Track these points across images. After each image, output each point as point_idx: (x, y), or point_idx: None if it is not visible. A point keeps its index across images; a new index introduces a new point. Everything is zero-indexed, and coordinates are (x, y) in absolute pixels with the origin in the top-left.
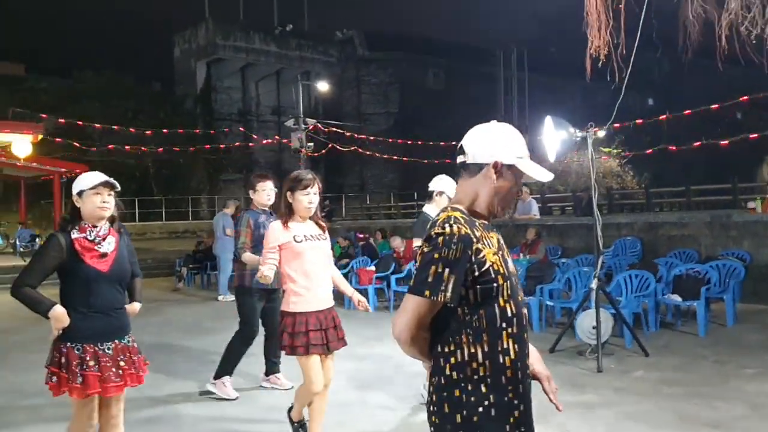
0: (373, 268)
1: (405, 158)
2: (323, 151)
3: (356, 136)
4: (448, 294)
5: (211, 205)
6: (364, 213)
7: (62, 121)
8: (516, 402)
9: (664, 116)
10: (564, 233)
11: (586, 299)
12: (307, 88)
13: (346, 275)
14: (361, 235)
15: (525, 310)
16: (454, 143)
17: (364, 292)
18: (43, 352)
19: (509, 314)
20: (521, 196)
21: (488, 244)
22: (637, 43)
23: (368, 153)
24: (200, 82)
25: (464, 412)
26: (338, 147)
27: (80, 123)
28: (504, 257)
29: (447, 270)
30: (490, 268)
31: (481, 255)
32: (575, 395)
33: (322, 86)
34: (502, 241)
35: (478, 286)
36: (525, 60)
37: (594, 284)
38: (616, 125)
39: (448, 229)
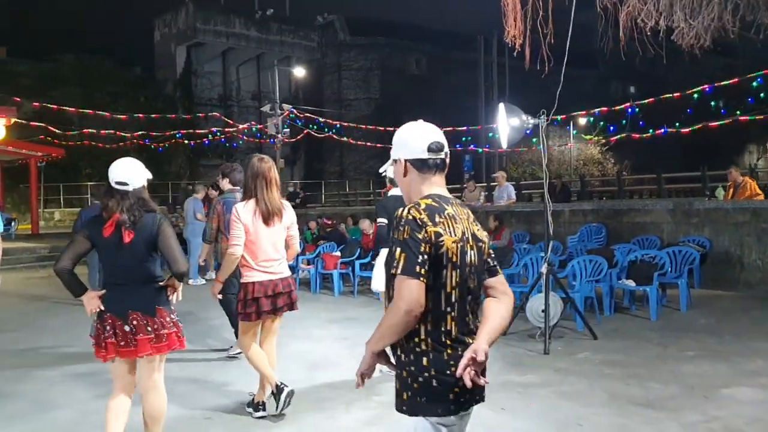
0: (338, 253)
1: (385, 145)
2: (299, 137)
3: (332, 122)
4: (397, 270)
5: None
6: (342, 199)
7: (37, 104)
8: (456, 374)
9: (627, 104)
10: (531, 219)
11: (536, 283)
12: (288, 74)
13: (312, 260)
14: (329, 222)
15: (471, 297)
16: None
17: (329, 277)
18: None
19: (453, 300)
20: (498, 181)
21: (450, 233)
22: (570, 32)
23: (344, 139)
24: (180, 66)
25: (409, 379)
26: (313, 133)
27: (55, 107)
28: (464, 248)
29: (398, 249)
30: (444, 255)
31: (441, 240)
32: (517, 376)
33: (299, 72)
34: (471, 230)
35: (431, 270)
36: (506, 46)
37: (544, 269)
38: (583, 113)
39: (400, 212)
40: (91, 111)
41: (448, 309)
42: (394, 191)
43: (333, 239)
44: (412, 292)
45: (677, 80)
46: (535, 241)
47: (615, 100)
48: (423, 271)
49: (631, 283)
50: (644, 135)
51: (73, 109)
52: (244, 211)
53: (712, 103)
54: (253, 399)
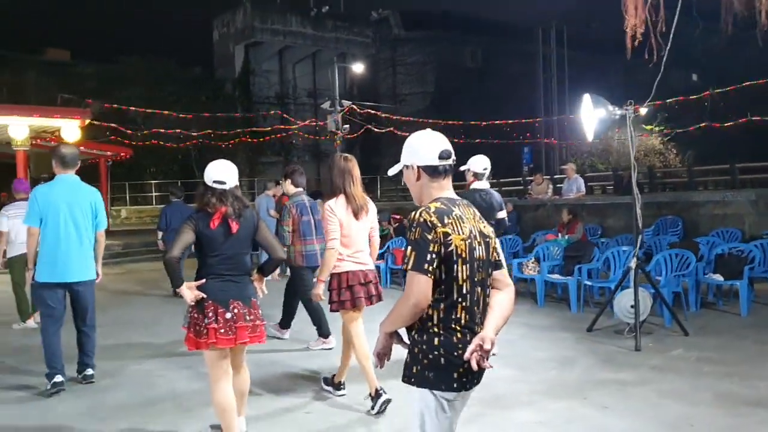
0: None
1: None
2: (359, 132)
3: (392, 116)
4: (408, 266)
5: (251, 187)
6: (399, 194)
7: (108, 105)
8: (462, 356)
9: (707, 92)
10: (603, 212)
11: (624, 278)
12: (343, 70)
13: (382, 255)
14: (397, 216)
15: (480, 289)
16: (492, 123)
17: (397, 272)
18: None
19: (464, 291)
20: (567, 173)
21: (459, 231)
22: (676, 19)
23: (404, 134)
24: (238, 65)
25: (420, 355)
26: (374, 129)
27: (125, 107)
28: (472, 244)
29: (409, 248)
30: (453, 251)
31: (449, 238)
32: (612, 373)
33: (358, 68)
34: (477, 228)
35: (443, 265)
36: (564, 37)
37: (633, 263)
38: (657, 102)
39: (413, 215)
40: (158, 111)
41: (459, 299)
42: (477, 185)
43: (400, 234)
44: (420, 286)
45: (738, 67)
46: (608, 234)
47: (676, 89)
48: (431, 268)
49: (718, 278)
50: (725, 124)
51: (141, 109)
52: (338, 207)
53: None
54: (332, 377)
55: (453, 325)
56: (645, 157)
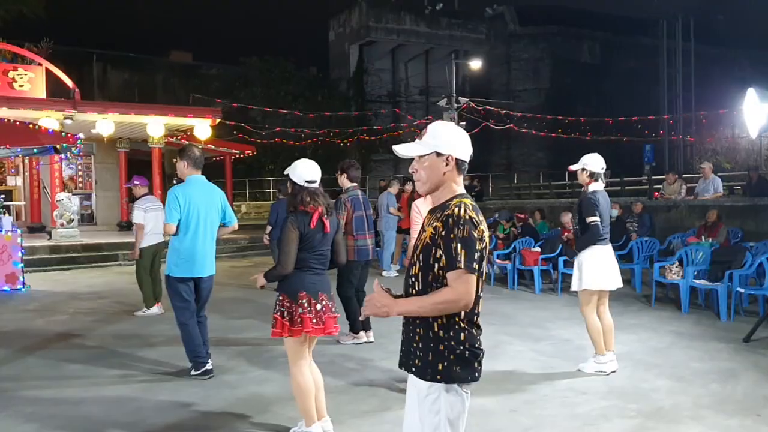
0: (538, 249)
1: (558, 134)
2: (476, 130)
3: (510, 113)
4: (460, 264)
5: (362, 184)
6: (513, 192)
7: (235, 105)
8: (481, 347)
9: None
10: (744, 215)
11: None
12: (457, 67)
13: (508, 256)
14: (521, 216)
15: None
16: (609, 119)
17: (528, 273)
18: None
19: (481, 284)
20: (704, 173)
21: (485, 228)
22: None
23: (524, 130)
24: (353, 64)
25: (446, 351)
26: (491, 125)
27: (251, 107)
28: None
29: (458, 245)
30: (485, 248)
31: (484, 235)
32: None
33: (475, 64)
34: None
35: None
36: (691, 29)
37: None
38: None
39: (457, 212)
40: (281, 110)
41: (479, 293)
42: (594, 186)
43: (526, 234)
44: (470, 285)
45: None
46: (749, 238)
47: None
48: (478, 266)
49: None
50: None
51: (265, 108)
52: (425, 206)
53: None
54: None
55: (474, 319)
56: None
